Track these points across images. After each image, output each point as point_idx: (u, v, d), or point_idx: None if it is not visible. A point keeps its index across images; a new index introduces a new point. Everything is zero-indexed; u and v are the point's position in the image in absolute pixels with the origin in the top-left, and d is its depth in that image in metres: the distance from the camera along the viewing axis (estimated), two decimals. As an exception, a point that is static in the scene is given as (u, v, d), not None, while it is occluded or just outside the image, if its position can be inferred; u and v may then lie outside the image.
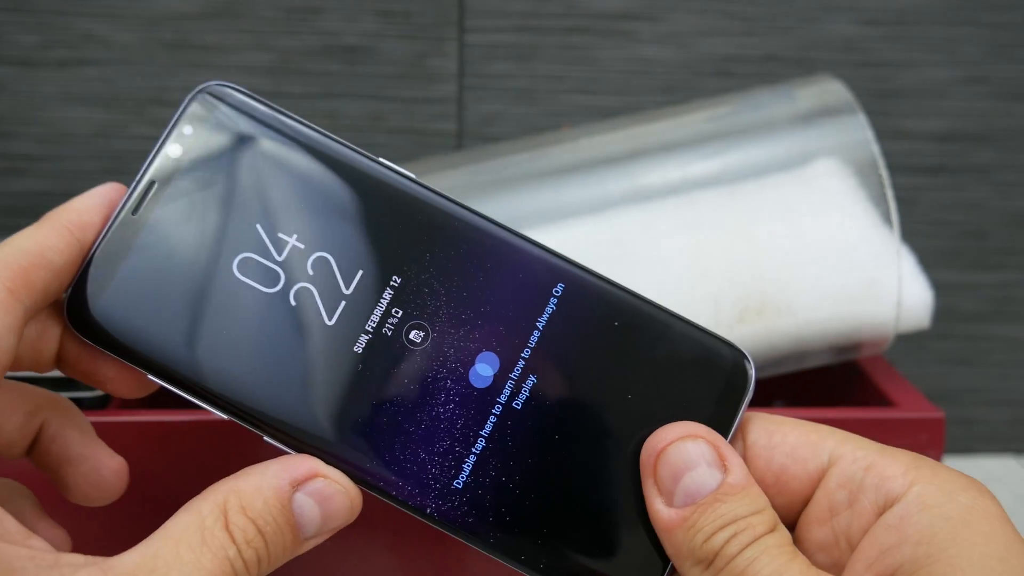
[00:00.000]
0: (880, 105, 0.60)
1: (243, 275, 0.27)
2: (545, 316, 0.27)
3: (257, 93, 0.28)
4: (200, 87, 0.28)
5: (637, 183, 0.42)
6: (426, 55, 0.59)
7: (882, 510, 0.25)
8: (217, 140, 0.27)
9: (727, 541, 0.24)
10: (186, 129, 0.27)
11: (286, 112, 0.28)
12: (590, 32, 0.59)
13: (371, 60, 0.59)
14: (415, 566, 0.39)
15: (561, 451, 0.27)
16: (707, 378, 0.27)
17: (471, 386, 0.27)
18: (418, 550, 0.38)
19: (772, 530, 0.25)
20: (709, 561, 0.24)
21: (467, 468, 0.26)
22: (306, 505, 0.25)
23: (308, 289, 0.27)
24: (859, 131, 0.41)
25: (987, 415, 0.64)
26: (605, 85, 0.60)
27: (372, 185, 0.27)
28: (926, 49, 0.60)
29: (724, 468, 0.25)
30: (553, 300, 0.27)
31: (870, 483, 0.25)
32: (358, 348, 0.27)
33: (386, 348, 0.27)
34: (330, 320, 0.27)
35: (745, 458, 0.27)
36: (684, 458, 0.25)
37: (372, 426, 0.26)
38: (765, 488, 0.26)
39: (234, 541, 0.24)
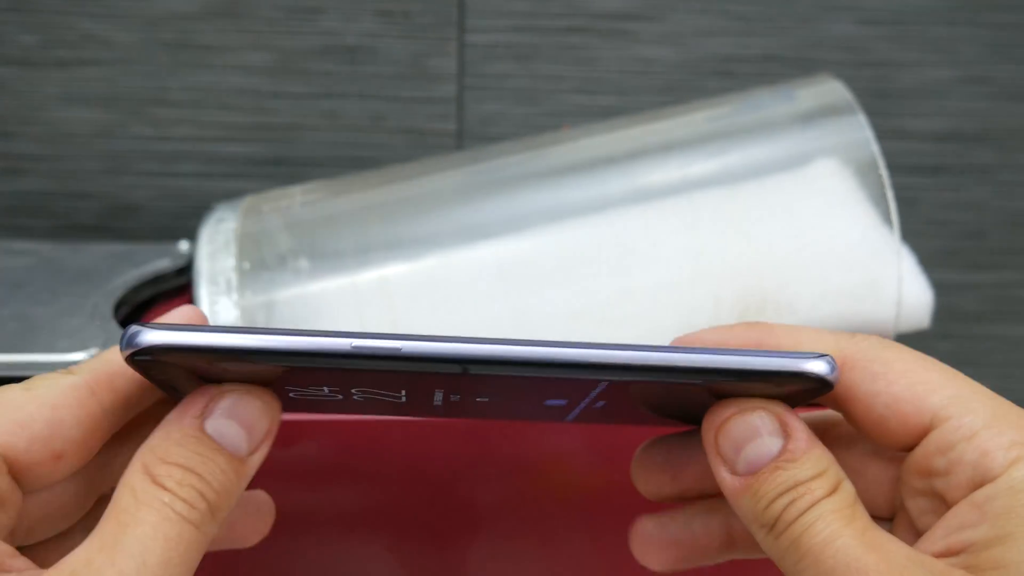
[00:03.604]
0: (880, 105, 0.60)
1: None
2: (597, 389, 0.27)
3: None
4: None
5: (637, 183, 0.42)
6: (426, 55, 0.59)
7: (976, 486, 0.24)
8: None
9: (786, 507, 0.24)
10: None
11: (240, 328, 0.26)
12: (590, 32, 0.59)
13: (371, 60, 0.59)
14: (415, 566, 0.39)
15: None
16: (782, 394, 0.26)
17: (547, 406, 0.28)
18: (418, 550, 0.38)
19: (832, 492, 0.24)
20: (771, 525, 0.24)
21: (571, 417, 0.29)
22: (220, 425, 0.25)
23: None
24: (859, 131, 0.41)
25: (987, 415, 0.64)
26: (605, 85, 0.60)
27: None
28: (926, 49, 0.60)
29: (786, 434, 0.25)
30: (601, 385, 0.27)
31: (969, 458, 0.24)
32: (437, 403, 0.27)
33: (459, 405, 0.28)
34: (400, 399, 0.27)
35: (843, 400, 0.26)
36: (744, 429, 0.25)
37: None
38: (867, 433, 0.26)
39: (165, 488, 0.23)
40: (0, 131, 0.59)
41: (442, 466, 0.37)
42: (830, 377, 0.25)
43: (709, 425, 0.26)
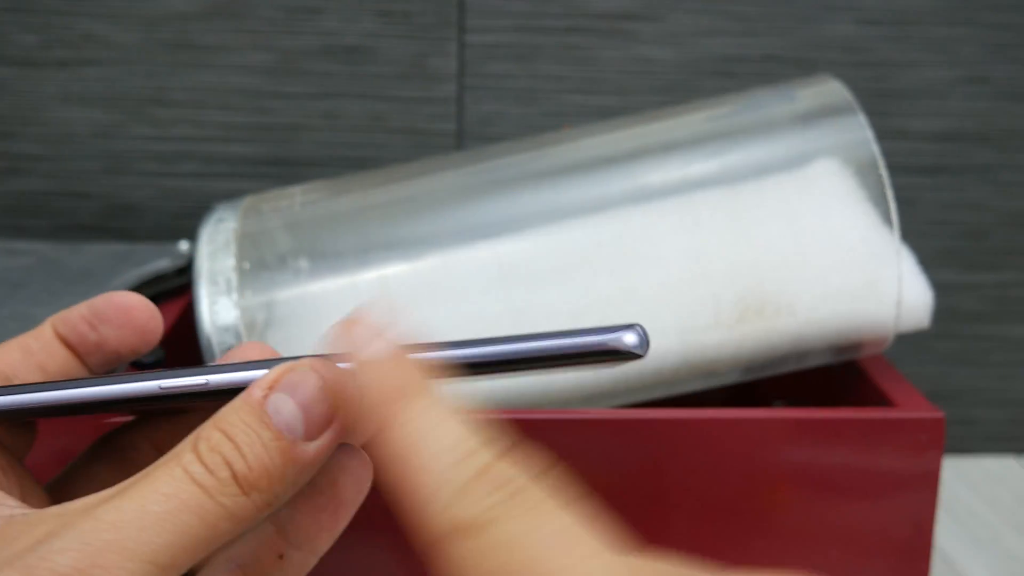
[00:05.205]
0: (880, 105, 0.60)
1: None
2: None
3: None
4: None
5: (637, 183, 0.42)
6: (426, 55, 0.59)
7: None
8: None
9: None
10: None
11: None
12: (590, 32, 0.59)
13: (371, 60, 0.59)
14: (415, 566, 0.39)
15: None
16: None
17: None
18: (418, 550, 0.38)
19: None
20: None
21: None
22: (278, 401, 0.23)
23: None
24: (859, 131, 0.41)
25: (987, 415, 0.64)
26: (605, 85, 0.60)
27: None
28: (926, 49, 0.60)
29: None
30: None
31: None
32: None
33: None
34: None
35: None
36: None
37: None
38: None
39: (195, 450, 0.22)
40: (0, 131, 0.59)
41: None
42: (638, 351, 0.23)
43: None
